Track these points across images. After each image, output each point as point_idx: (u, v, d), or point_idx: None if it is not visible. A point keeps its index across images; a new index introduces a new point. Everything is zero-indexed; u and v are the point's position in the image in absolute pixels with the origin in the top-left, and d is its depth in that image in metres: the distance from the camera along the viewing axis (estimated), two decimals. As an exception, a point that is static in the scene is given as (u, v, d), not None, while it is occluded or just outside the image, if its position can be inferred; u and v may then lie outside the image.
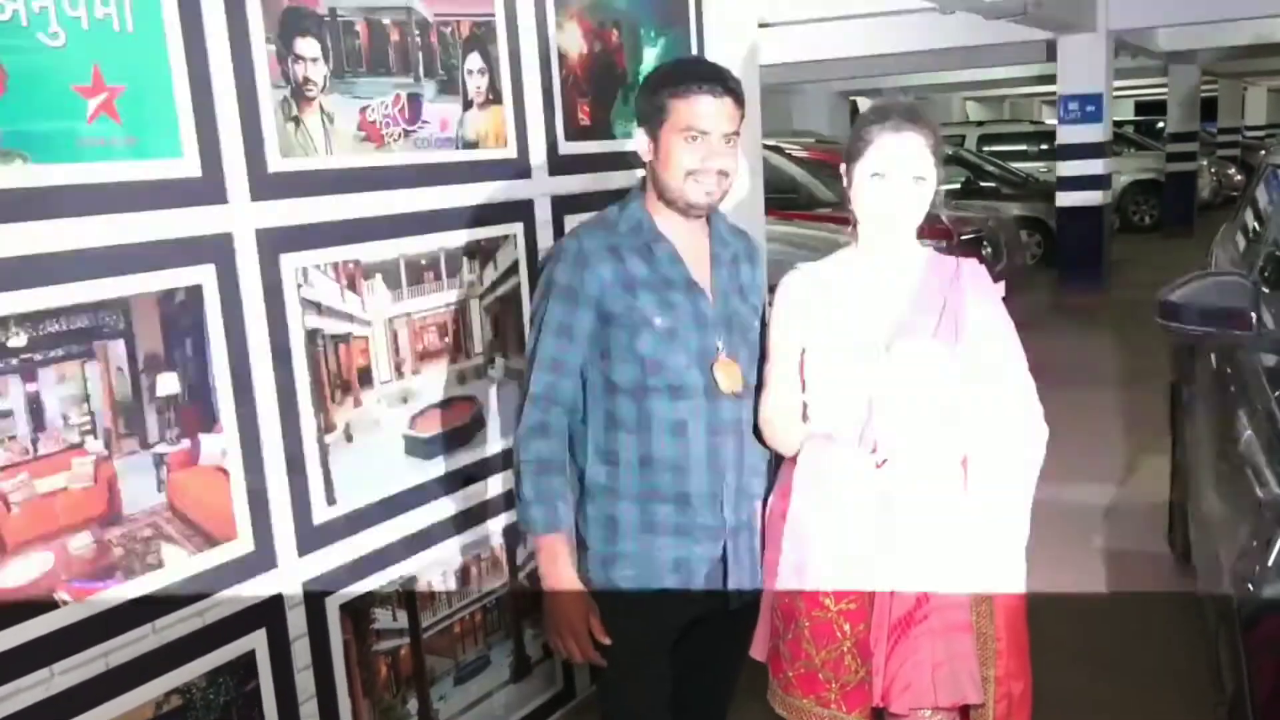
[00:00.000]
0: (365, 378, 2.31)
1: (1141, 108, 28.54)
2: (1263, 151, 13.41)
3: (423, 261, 2.42)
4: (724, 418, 2.02)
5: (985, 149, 14.55)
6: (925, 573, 1.94)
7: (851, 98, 19.44)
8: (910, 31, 10.31)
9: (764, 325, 2.11)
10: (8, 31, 1.67)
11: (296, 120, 2.13)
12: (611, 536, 2.03)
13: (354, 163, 2.25)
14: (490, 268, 2.61)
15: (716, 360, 2.00)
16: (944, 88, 19.57)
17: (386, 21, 2.31)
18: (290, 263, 2.13)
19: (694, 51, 3.19)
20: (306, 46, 2.14)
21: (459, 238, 2.51)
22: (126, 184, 1.84)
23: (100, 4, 1.78)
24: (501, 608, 2.70)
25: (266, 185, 2.07)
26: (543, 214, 2.74)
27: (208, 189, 1.98)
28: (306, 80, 2.15)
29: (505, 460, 2.59)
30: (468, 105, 2.51)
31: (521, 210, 2.68)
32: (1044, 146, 14.77)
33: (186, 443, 1.96)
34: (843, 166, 2.03)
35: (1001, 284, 2.05)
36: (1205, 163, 16.47)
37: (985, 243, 7.73)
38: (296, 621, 2.18)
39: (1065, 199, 9.73)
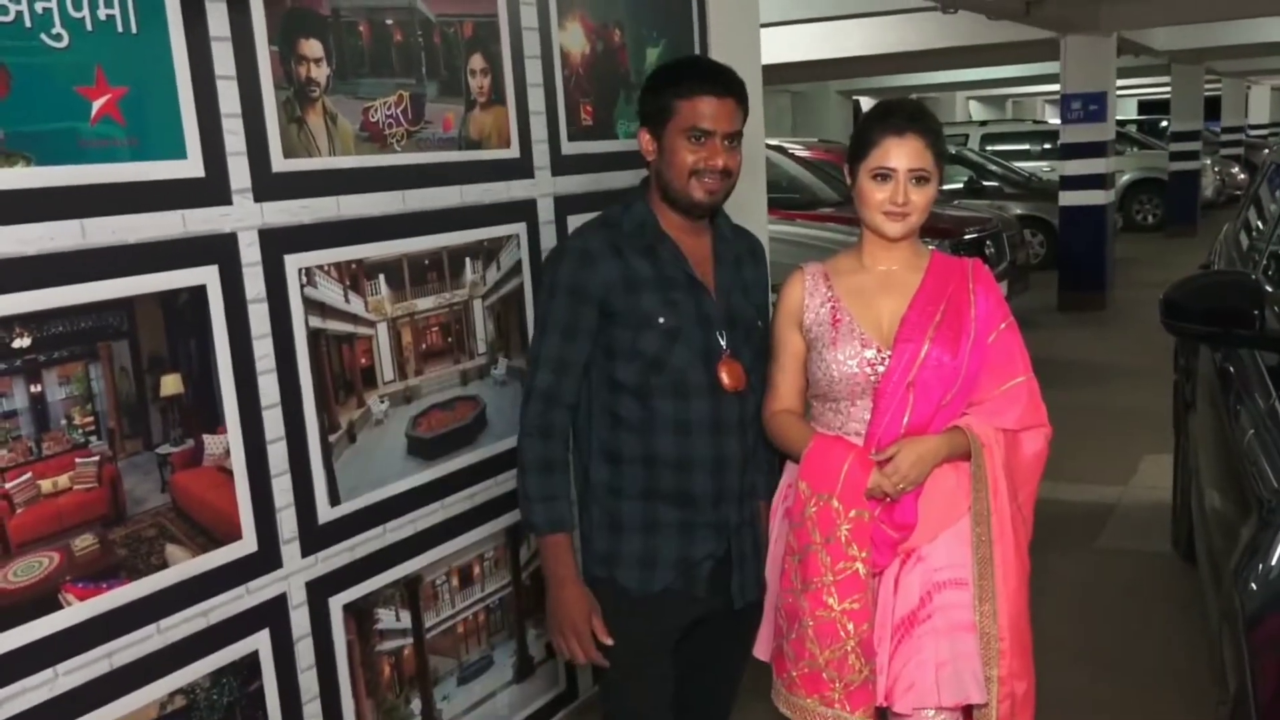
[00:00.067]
0: (368, 378, 2.31)
1: (1145, 106, 28.53)
2: (1266, 150, 13.39)
3: (426, 262, 2.42)
4: (727, 416, 2.02)
5: (988, 148, 14.54)
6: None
7: (854, 97, 19.45)
8: (913, 31, 10.30)
9: (767, 324, 2.11)
10: (11, 33, 1.67)
11: (300, 121, 2.13)
12: (615, 535, 2.03)
13: (357, 163, 2.25)
14: (493, 268, 2.61)
15: (720, 359, 2.00)
16: (947, 87, 19.58)
17: (389, 22, 2.31)
18: (294, 263, 2.13)
19: (696, 51, 3.19)
20: (310, 47, 2.15)
21: (462, 238, 2.51)
22: (130, 185, 1.85)
23: (104, 5, 1.79)
24: (504, 608, 2.70)
25: (270, 186, 2.08)
26: (545, 214, 2.74)
27: (211, 190, 1.98)
28: (309, 81, 2.15)
29: (508, 460, 2.59)
30: (470, 105, 2.51)
31: (524, 210, 2.68)
32: (1047, 146, 14.77)
33: (190, 443, 1.97)
34: (846, 166, 2.04)
35: (1004, 283, 2.05)
36: (1208, 161, 16.45)
37: (988, 242, 7.72)
38: (300, 622, 2.19)
39: (1068, 198, 9.71)
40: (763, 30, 3.60)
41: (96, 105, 1.79)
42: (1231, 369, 2.77)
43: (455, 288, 2.51)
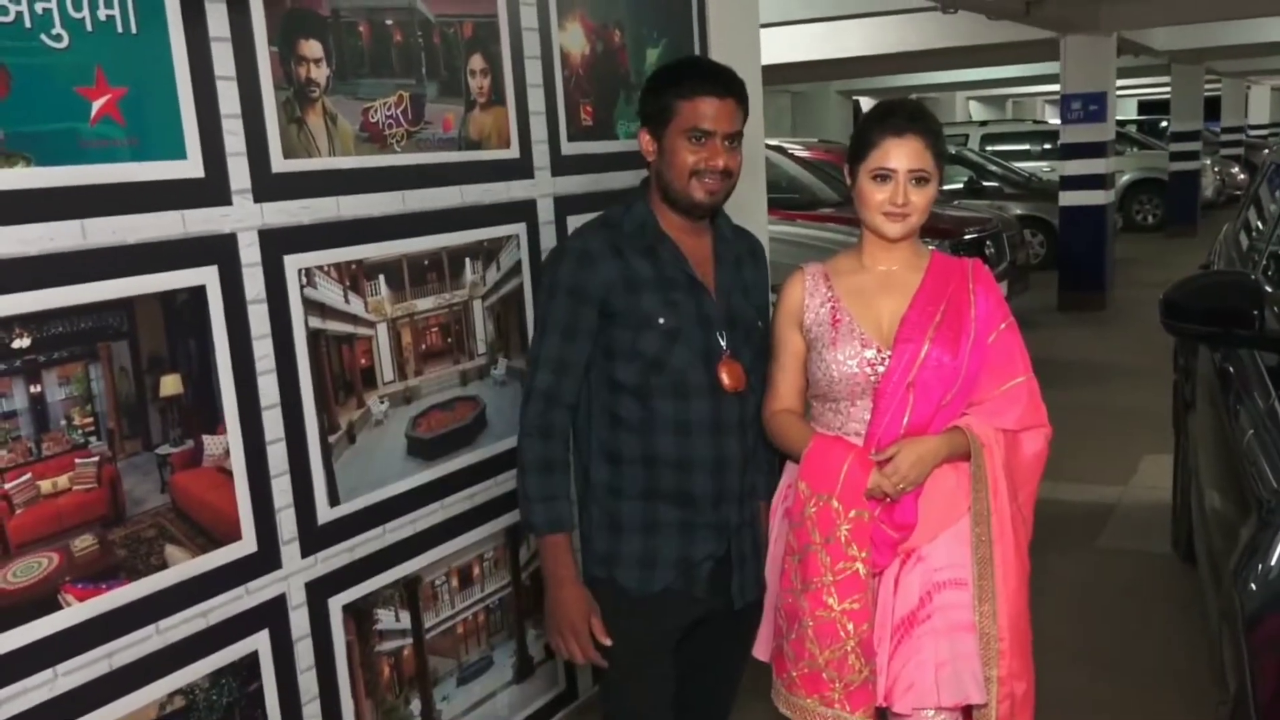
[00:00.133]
0: (368, 378, 2.31)
1: (1145, 107, 28.53)
2: (1266, 150, 13.40)
3: (425, 262, 2.43)
4: (728, 417, 2.02)
5: (988, 148, 14.54)
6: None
7: (854, 97, 19.45)
8: (913, 31, 10.30)
9: (768, 324, 2.11)
10: (11, 34, 1.67)
11: (299, 121, 2.13)
12: (615, 536, 2.03)
13: (357, 163, 2.25)
14: (493, 268, 2.61)
15: (720, 359, 2.00)
16: (947, 87, 19.59)
17: (389, 22, 2.31)
18: (293, 263, 2.13)
19: (696, 51, 3.19)
20: (309, 48, 2.15)
21: (462, 238, 2.51)
22: (130, 185, 1.85)
23: (104, 6, 1.79)
24: (504, 608, 2.70)
25: (270, 186, 2.08)
26: (545, 214, 2.74)
27: (211, 190, 1.98)
28: (309, 81, 2.15)
29: (508, 461, 2.59)
30: (470, 106, 2.51)
31: (524, 211, 2.68)
32: (1047, 146, 14.77)
33: (190, 443, 1.97)
34: (845, 167, 2.04)
35: (1004, 283, 2.05)
36: (1208, 162, 16.45)
37: (988, 242, 7.72)
38: (299, 622, 2.19)
39: (1068, 198, 9.71)
40: (762, 30, 3.60)
41: (96, 106, 1.79)
42: (1231, 369, 2.77)
43: (455, 288, 2.51)
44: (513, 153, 2.63)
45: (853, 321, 2.00)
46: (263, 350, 2.08)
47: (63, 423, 1.78)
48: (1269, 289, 2.87)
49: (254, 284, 2.06)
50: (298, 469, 2.16)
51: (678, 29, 3.14)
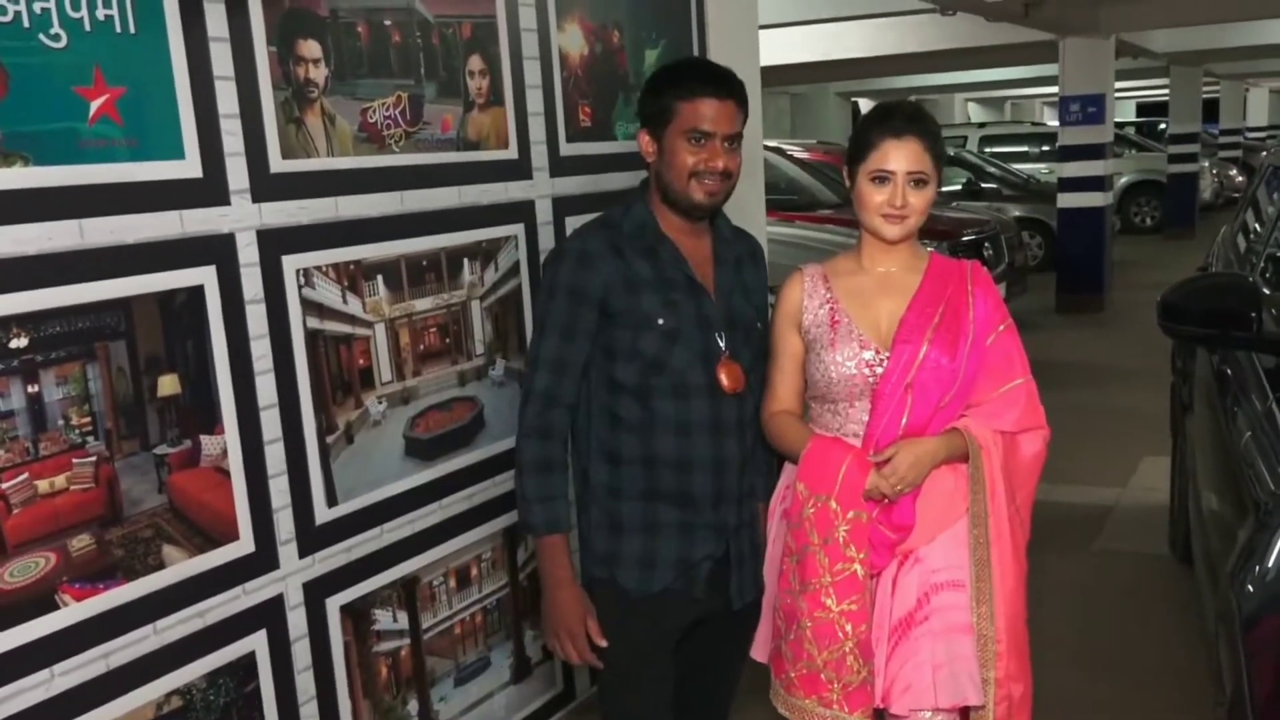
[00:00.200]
0: (366, 379, 2.31)
1: (1143, 109, 28.56)
2: (1264, 153, 13.41)
3: (424, 263, 2.43)
4: (727, 417, 2.02)
5: (986, 150, 14.55)
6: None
7: (853, 99, 19.47)
8: (911, 33, 10.31)
9: (767, 326, 2.11)
10: (10, 33, 1.67)
11: (298, 121, 2.13)
12: (614, 536, 2.03)
13: (355, 164, 2.25)
14: (491, 269, 2.61)
15: (720, 360, 2.00)
16: (945, 89, 19.60)
17: (388, 23, 2.31)
18: (291, 264, 2.13)
19: (695, 53, 3.19)
20: (308, 48, 2.15)
21: (460, 239, 2.51)
22: (128, 185, 1.85)
23: (102, 6, 1.79)
24: (502, 609, 2.70)
25: (268, 186, 2.08)
26: (544, 215, 2.74)
27: (209, 190, 1.98)
28: (308, 81, 2.15)
29: (506, 461, 2.59)
30: (469, 106, 2.51)
31: (522, 211, 2.68)
32: (1045, 148, 14.78)
33: (187, 443, 1.96)
34: (844, 168, 2.04)
35: (1003, 285, 2.06)
36: (1207, 164, 16.46)
37: (986, 244, 7.73)
38: (297, 623, 2.18)
39: (1066, 200, 9.72)
40: (761, 32, 3.60)
41: (95, 105, 1.79)
42: (1229, 371, 2.77)
43: (453, 289, 2.51)
44: (511, 153, 2.64)
45: (851, 323, 2.01)
46: (261, 350, 2.08)
47: (60, 422, 1.78)
48: (1266, 291, 2.87)
49: (252, 284, 2.06)
50: (295, 469, 2.16)
51: (676, 30, 3.14)
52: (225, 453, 2.02)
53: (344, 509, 2.27)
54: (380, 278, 2.32)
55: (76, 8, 1.75)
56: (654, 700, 2.08)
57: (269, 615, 2.13)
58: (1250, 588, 1.89)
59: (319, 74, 2.17)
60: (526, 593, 2.73)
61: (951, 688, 1.95)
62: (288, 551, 2.15)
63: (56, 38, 1.73)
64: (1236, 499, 2.27)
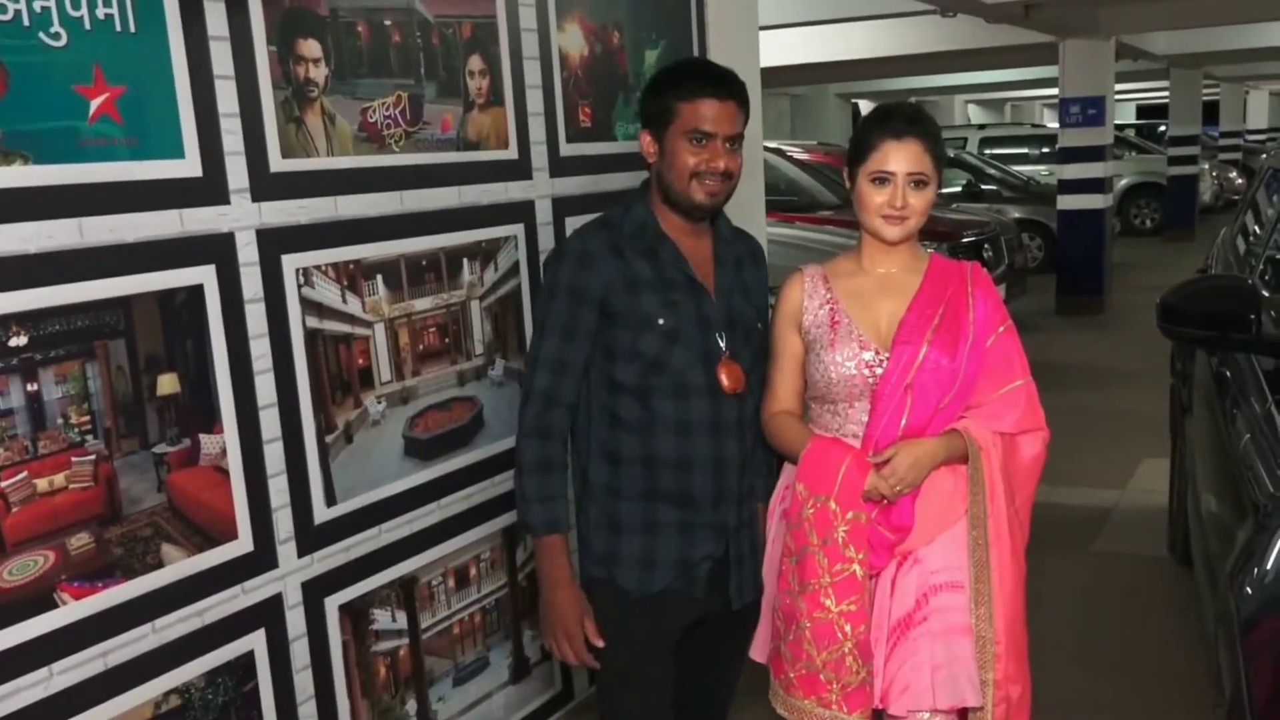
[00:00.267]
0: (366, 378, 2.31)
1: (1143, 111, 28.57)
2: (1264, 155, 13.43)
3: (423, 262, 2.42)
4: (727, 418, 2.02)
5: (986, 152, 14.55)
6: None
7: (853, 100, 19.48)
8: (911, 34, 10.31)
9: (767, 326, 2.11)
10: (10, 32, 1.67)
11: (298, 121, 2.13)
12: (614, 536, 2.03)
13: (355, 163, 2.25)
14: (491, 269, 2.61)
15: (720, 360, 2.00)
16: (945, 90, 19.61)
17: (388, 23, 2.31)
18: (291, 263, 2.13)
19: (695, 53, 3.19)
20: (308, 47, 2.15)
21: (460, 239, 2.51)
22: (128, 184, 1.85)
23: (102, 4, 1.79)
24: (500, 609, 2.70)
25: (268, 185, 2.08)
26: (543, 215, 2.74)
27: (209, 189, 1.98)
28: (308, 81, 2.15)
29: (505, 461, 2.59)
30: (469, 106, 2.51)
31: (522, 211, 2.68)
32: (1045, 149, 14.78)
33: (186, 442, 1.96)
34: (845, 169, 2.04)
35: (1002, 287, 2.06)
36: (1206, 166, 16.47)
37: (986, 245, 7.73)
38: (295, 622, 2.18)
39: (1066, 202, 9.72)
40: (761, 33, 3.60)
41: (95, 104, 1.79)
42: (1228, 373, 2.77)
43: (453, 289, 2.51)
44: (511, 153, 2.64)
45: (851, 323, 2.01)
46: (260, 350, 2.08)
47: (59, 421, 1.78)
48: (1266, 293, 2.87)
49: (251, 283, 2.06)
50: (294, 469, 2.16)
51: (676, 31, 3.14)
52: (224, 452, 2.02)
53: (343, 508, 2.27)
54: (380, 277, 2.32)
55: (76, 6, 1.75)
56: (653, 701, 2.08)
57: (268, 614, 2.12)
58: (1249, 589, 1.89)
59: (319, 73, 2.17)
60: (525, 593, 2.73)
61: (950, 689, 1.95)
62: (286, 551, 2.15)
63: (56, 36, 1.73)
64: (1235, 501, 2.27)
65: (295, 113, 2.13)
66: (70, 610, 1.80)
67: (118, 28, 1.81)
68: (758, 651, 2.17)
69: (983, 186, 11.94)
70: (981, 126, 17.54)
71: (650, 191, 2.05)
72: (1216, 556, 2.35)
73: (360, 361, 2.30)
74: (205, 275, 1.98)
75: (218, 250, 2.00)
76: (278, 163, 2.09)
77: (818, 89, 18.18)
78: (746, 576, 2.10)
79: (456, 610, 2.57)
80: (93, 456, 1.82)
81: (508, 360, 2.66)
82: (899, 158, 1.94)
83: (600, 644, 2.01)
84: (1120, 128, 16.82)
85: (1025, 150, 15.46)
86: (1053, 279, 9.86)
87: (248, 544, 2.08)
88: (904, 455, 1.92)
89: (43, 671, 1.77)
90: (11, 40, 1.67)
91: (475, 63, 2.52)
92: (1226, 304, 2.56)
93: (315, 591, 2.22)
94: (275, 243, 2.09)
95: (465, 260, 2.53)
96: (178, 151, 1.92)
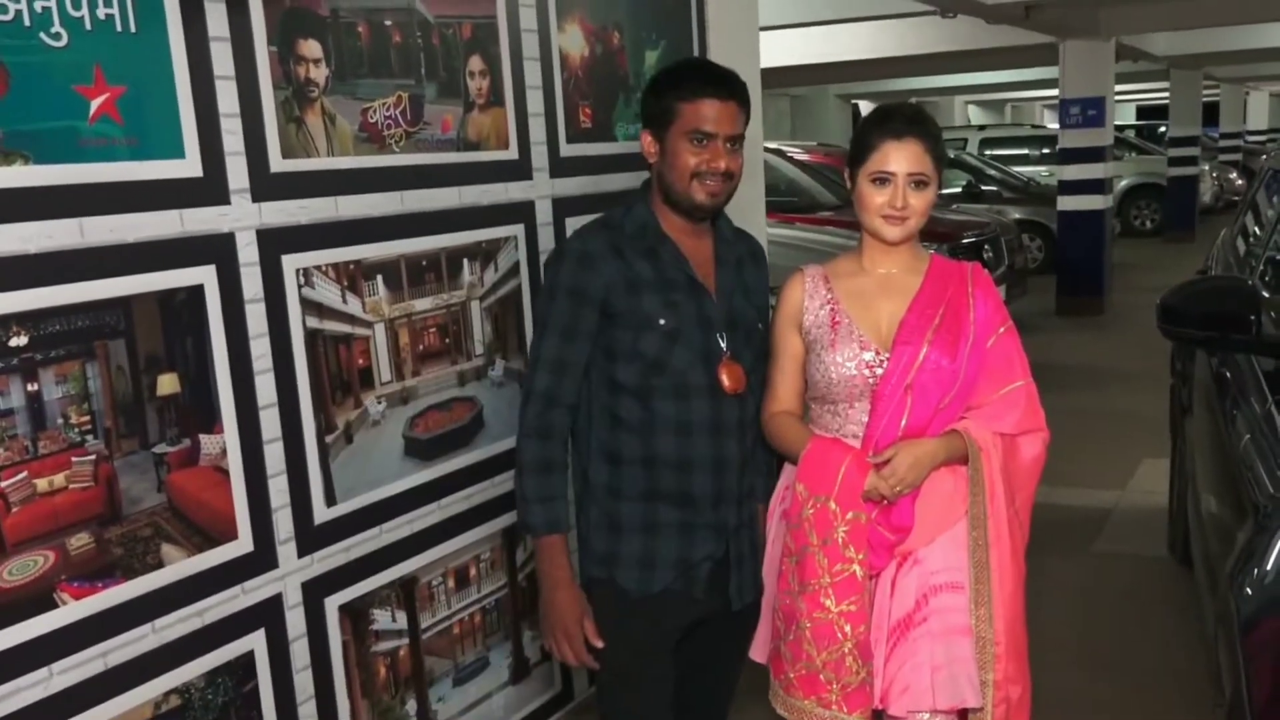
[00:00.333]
0: (366, 378, 2.31)
1: (1143, 112, 28.57)
2: (1264, 156, 13.44)
3: (423, 263, 2.43)
4: (728, 418, 2.02)
5: (986, 153, 14.55)
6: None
7: (853, 101, 19.48)
8: (912, 35, 10.32)
9: (768, 326, 2.11)
10: (10, 32, 1.67)
11: (298, 121, 2.14)
12: (614, 536, 2.03)
13: (355, 164, 2.25)
14: (491, 269, 2.61)
15: (721, 361, 2.00)
16: (945, 91, 19.62)
17: (388, 23, 2.31)
18: (291, 263, 2.13)
19: (695, 54, 3.19)
20: (308, 48, 2.15)
21: (460, 239, 2.51)
22: (128, 184, 1.85)
23: (103, 5, 1.79)
24: (500, 609, 2.70)
25: (268, 186, 2.08)
26: (544, 216, 2.74)
27: (209, 189, 1.98)
28: (308, 81, 2.15)
29: (505, 461, 2.59)
30: (469, 107, 2.51)
31: (522, 212, 2.68)
32: (1045, 150, 14.78)
33: (186, 442, 1.96)
34: (845, 170, 2.04)
35: (1002, 287, 2.06)
36: (1207, 167, 16.47)
37: (986, 246, 7.73)
38: (295, 622, 2.18)
39: (1066, 203, 9.73)
40: (762, 34, 3.60)
41: (95, 104, 1.79)
42: (1228, 374, 2.78)
43: (453, 289, 2.51)
44: (511, 154, 2.64)
45: (852, 324, 2.01)
46: (260, 350, 2.08)
47: (59, 421, 1.78)
48: (1266, 294, 2.87)
49: (252, 283, 2.06)
50: (295, 469, 2.16)
51: (677, 31, 3.14)
52: (224, 452, 2.02)
53: (343, 509, 2.27)
54: (380, 278, 2.32)
55: (77, 6, 1.75)
56: (653, 701, 2.08)
57: (268, 614, 2.12)
58: (1249, 590, 1.89)
59: (319, 74, 2.17)
60: (525, 593, 2.73)
61: (950, 689, 1.95)
62: (286, 551, 2.15)
63: (57, 36, 1.73)
64: (1236, 501, 2.27)
65: (296, 113, 2.13)
66: (70, 610, 1.80)
67: (118, 28, 1.81)
68: (758, 652, 2.17)
69: (983, 187, 11.94)
70: (981, 127, 17.54)
71: (651, 192, 2.05)
72: (1216, 557, 2.35)
73: (360, 362, 2.30)
74: (205, 275, 1.98)
75: (218, 250, 2.00)
76: (278, 163, 2.09)
77: (818, 90, 18.18)
78: (747, 577, 2.10)
79: (456, 610, 2.57)
80: (93, 456, 1.82)
81: (508, 361, 2.66)
82: (899, 158, 1.94)
83: (600, 644, 2.01)
84: (1120, 129, 16.82)
85: (1025, 151, 15.46)
86: (1053, 280, 9.86)
87: (248, 544, 2.08)
88: (904, 456, 1.92)
89: (43, 671, 1.77)
90: (12, 40, 1.68)
91: (476, 63, 2.52)
92: (1227, 305, 2.56)
93: (315, 592, 2.22)
94: (275, 243, 2.09)
95: (465, 260, 2.53)
96: (178, 152, 1.92)
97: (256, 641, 2.11)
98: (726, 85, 1.97)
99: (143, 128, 1.86)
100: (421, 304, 2.43)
